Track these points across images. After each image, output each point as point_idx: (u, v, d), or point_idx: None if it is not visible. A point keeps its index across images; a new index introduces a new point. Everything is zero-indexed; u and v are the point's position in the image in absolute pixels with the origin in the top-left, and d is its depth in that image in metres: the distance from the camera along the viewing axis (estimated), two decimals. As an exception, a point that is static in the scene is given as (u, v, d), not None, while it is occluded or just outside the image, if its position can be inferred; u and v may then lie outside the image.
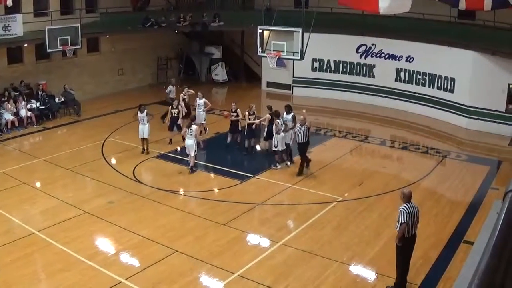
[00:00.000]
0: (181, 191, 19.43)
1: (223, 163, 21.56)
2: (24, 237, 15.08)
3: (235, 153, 23.21)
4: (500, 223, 2.51)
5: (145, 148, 22.62)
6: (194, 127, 20.47)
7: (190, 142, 20.39)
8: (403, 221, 11.89)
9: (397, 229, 12.08)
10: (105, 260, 13.97)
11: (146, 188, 19.04)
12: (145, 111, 22.45)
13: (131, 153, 22.51)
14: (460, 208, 17.44)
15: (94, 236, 15.52)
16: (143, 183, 19.40)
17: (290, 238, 15.28)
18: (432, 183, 20.00)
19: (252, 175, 20.34)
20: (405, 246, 12.20)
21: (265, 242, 15.22)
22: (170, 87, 28.28)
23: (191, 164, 20.68)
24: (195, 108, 24.69)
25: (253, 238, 15.48)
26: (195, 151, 20.53)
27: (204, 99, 24.58)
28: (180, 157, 21.84)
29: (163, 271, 13.40)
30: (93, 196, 18.33)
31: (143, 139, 22.54)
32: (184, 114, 24.60)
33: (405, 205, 12.12)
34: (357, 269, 13.63)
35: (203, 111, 24.46)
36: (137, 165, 21.14)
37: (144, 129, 22.34)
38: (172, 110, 23.39)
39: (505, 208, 2.64)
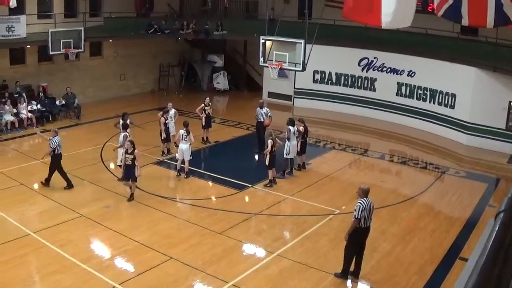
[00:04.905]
0: (178, 198, 19.42)
1: (220, 172, 21.50)
2: (19, 238, 15.07)
3: (233, 163, 23.21)
4: (491, 243, 2.52)
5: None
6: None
7: (185, 146, 20.42)
8: (357, 216, 12.82)
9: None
10: (99, 264, 13.95)
11: (143, 194, 18.97)
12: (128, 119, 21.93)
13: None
14: (457, 224, 17.43)
15: (89, 239, 15.50)
16: (141, 189, 19.32)
17: (286, 249, 15.25)
18: (430, 198, 19.98)
19: (249, 185, 20.33)
20: (357, 235, 13.12)
21: (260, 252, 15.20)
22: (257, 109, 24.51)
23: (186, 169, 20.80)
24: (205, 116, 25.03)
25: (248, 248, 15.46)
26: (190, 155, 20.55)
27: (174, 109, 23.97)
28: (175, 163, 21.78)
29: (158, 277, 13.37)
30: (90, 199, 18.31)
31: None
32: (203, 124, 25.02)
33: (362, 200, 12.94)
34: (352, 283, 13.60)
35: (174, 122, 23.60)
36: (135, 171, 21.12)
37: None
38: (127, 156, 18.14)
39: (496, 228, 2.64)
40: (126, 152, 18.11)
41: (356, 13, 16.42)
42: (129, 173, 18.10)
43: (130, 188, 18.40)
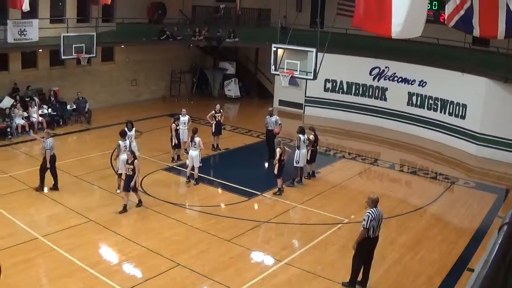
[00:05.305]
0: (187, 205, 19.43)
1: (230, 179, 21.52)
2: (27, 241, 15.12)
3: (242, 170, 23.24)
4: (493, 256, 2.51)
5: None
6: (197, 139, 20.46)
7: (194, 153, 20.46)
8: (366, 226, 12.78)
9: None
10: (107, 269, 13.97)
11: (153, 200, 19.01)
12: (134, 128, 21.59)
13: (140, 163, 22.42)
14: (466, 235, 17.35)
15: (97, 244, 15.54)
16: (150, 195, 19.38)
17: (294, 258, 15.23)
18: (439, 209, 19.92)
19: (259, 193, 20.31)
20: (365, 245, 13.08)
21: (268, 260, 15.18)
22: (267, 117, 24.60)
23: (196, 176, 20.79)
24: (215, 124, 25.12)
25: (256, 256, 15.44)
26: (199, 162, 20.58)
27: (188, 116, 24.13)
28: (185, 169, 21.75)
29: (165, 284, 13.38)
30: (99, 204, 18.37)
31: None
32: (213, 131, 25.17)
33: (371, 209, 12.89)
34: (359, 292, 13.58)
35: (187, 128, 23.32)
36: (144, 177, 21.10)
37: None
38: (127, 166, 17.94)
39: (499, 241, 2.64)
40: (127, 162, 17.90)
41: (367, 23, 16.39)
42: (129, 184, 17.85)
43: (129, 197, 18.10)
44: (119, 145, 19.35)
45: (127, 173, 17.77)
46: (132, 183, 17.72)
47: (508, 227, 2.77)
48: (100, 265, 14.15)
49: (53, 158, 19.23)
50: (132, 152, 18.05)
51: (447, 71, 28.10)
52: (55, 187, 19.35)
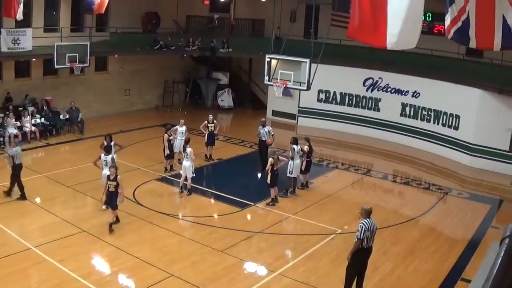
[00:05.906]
0: (180, 215, 19.36)
1: (223, 190, 21.46)
2: (20, 252, 15.02)
3: (235, 181, 23.23)
4: (496, 269, 2.48)
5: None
6: (189, 149, 20.42)
7: (187, 164, 20.42)
8: (360, 237, 12.71)
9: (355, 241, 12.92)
10: (100, 280, 13.87)
11: (146, 210, 18.93)
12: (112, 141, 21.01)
13: (133, 174, 22.40)
14: (459, 245, 17.35)
15: (90, 255, 15.45)
16: (143, 205, 19.31)
17: (287, 268, 15.18)
18: (432, 219, 19.91)
19: (252, 203, 20.27)
20: (359, 255, 12.99)
21: (262, 270, 15.12)
22: (259, 128, 24.55)
23: (188, 186, 20.71)
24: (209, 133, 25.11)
25: (250, 266, 15.38)
26: (192, 173, 20.52)
27: (185, 126, 24.12)
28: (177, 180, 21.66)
29: (158, 294, 13.33)
30: (92, 215, 18.24)
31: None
32: (206, 141, 25.14)
33: (364, 220, 12.84)
34: (352, 303, 13.52)
35: (184, 139, 22.64)
36: (137, 187, 21.07)
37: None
38: (109, 183, 17.05)
39: (501, 255, 2.61)
40: (108, 178, 17.10)
41: (361, 34, 16.35)
42: (110, 201, 17.16)
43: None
44: (99, 158, 19.26)
45: (110, 190, 17.04)
46: (119, 199, 17.18)
47: (509, 240, 2.75)
48: (93, 276, 14.06)
49: (18, 167, 19.06)
50: (116, 168, 17.34)
51: (441, 82, 28.19)
52: (8, 194, 19.16)
